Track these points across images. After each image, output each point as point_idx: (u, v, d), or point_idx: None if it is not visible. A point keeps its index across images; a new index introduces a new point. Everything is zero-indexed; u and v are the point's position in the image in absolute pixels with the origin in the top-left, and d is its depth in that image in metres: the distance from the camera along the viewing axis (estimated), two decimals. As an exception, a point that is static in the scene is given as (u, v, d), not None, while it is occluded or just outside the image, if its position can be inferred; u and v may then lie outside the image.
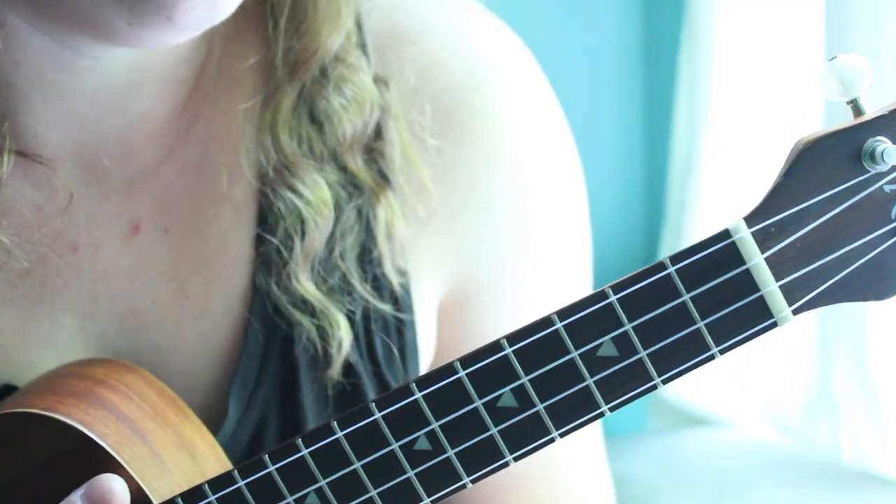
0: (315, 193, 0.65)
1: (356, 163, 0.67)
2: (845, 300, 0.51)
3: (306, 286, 0.66)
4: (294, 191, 0.65)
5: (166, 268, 0.68)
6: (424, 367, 0.72)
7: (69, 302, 0.68)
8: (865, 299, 0.51)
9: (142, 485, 0.59)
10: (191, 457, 0.64)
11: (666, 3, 1.88)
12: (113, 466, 0.59)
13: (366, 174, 0.67)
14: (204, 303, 0.68)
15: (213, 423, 0.68)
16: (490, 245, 0.71)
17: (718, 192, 1.65)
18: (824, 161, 0.50)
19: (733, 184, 1.63)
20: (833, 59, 0.50)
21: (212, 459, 0.65)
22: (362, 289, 0.67)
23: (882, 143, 0.50)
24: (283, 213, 0.66)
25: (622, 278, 0.52)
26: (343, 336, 0.66)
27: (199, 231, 0.68)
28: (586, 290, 0.75)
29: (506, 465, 0.54)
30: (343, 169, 0.67)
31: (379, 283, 0.68)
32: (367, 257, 0.68)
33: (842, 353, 1.54)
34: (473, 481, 0.54)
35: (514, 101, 0.70)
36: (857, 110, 0.51)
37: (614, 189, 1.98)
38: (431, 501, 0.55)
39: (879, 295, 0.51)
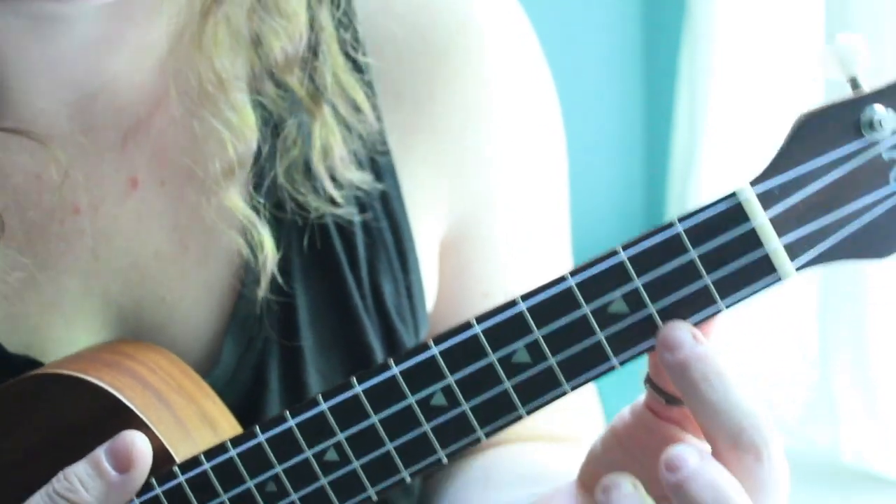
0: (239, 116, 0.70)
1: (293, 81, 0.72)
2: (847, 258, 0.57)
3: (235, 202, 0.71)
4: (218, 112, 0.70)
5: (166, 220, 0.73)
6: (429, 298, 0.78)
7: (72, 264, 0.72)
8: (866, 258, 0.57)
9: (165, 444, 0.64)
10: (213, 430, 0.69)
11: (666, 3, 1.93)
12: (138, 427, 0.64)
13: (302, 91, 0.72)
14: (205, 252, 0.73)
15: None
16: (484, 179, 0.78)
17: (718, 191, 1.71)
18: (825, 130, 0.56)
19: (733, 183, 1.68)
20: (833, 40, 0.56)
21: (232, 435, 0.69)
22: (314, 200, 0.72)
23: (879, 112, 0.55)
24: (200, 135, 0.70)
25: (633, 238, 0.57)
26: (268, 255, 0.71)
27: (193, 182, 0.72)
28: (567, 223, 0.82)
29: (519, 418, 0.59)
30: (283, 86, 0.72)
31: (333, 198, 0.73)
32: (311, 171, 0.73)
33: (842, 353, 1.59)
34: (487, 435, 0.59)
35: (498, 39, 0.77)
36: (856, 88, 0.57)
37: (614, 189, 2.04)
38: (446, 455, 0.60)
39: (879, 254, 0.56)
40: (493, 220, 0.80)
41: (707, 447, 0.57)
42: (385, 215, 0.75)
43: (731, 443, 0.55)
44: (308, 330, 0.74)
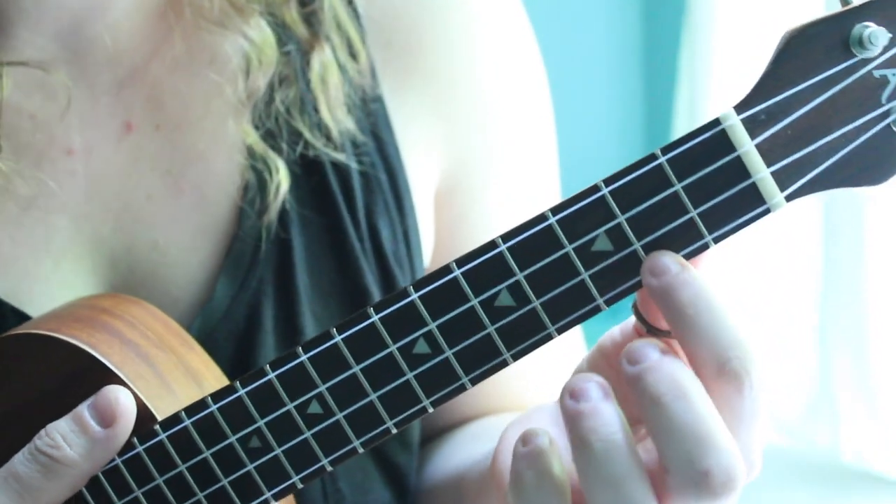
0: (259, 35, 0.72)
1: (291, 15, 0.74)
2: (839, 186, 0.55)
3: (247, 129, 0.72)
4: (241, 32, 0.72)
5: (160, 163, 0.73)
6: (427, 249, 0.79)
7: (64, 205, 0.73)
8: (859, 185, 0.55)
9: (144, 400, 0.63)
10: (197, 384, 0.68)
11: (666, 3, 1.92)
12: (117, 384, 0.63)
13: (300, 26, 0.74)
14: (200, 195, 0.74)
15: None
16: (477, 129, 0.79)
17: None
18: (812, 48, 0.54)
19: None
20: None
21: (218, 388, 0.69)
22: (311, 135, 0.74)
23: (869, 28, 0.53)
24: (229, 54, 0.72)
25: (614, 172, 0.56)
26: (281, 180, 0.73)
27: (191, 126, 0.73)
28: (556, 172, 0.84)
29: (504, 363, 0.58)
30: (281, 23, 0.74)
31: (330, 132, 0.75)
32: (307, 107, 0.75)
33: (842, 353, 1.60)
34: (473, 382, 0.58)
35: None
36: (846, 1, 0.54)
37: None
38: (431, 403, 0.59)
39: (873, 180, 0.55)
40: (486, 171, 0.80)
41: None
42: (380, 158, 0.76)
43: (714, 372, 0.53)
44: (304, 271, 0.74)
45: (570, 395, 0.54)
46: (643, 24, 1.94)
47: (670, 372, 0.53)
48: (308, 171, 0.75)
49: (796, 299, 1.63)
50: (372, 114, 0.76)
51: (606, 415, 0.54)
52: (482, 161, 0.80)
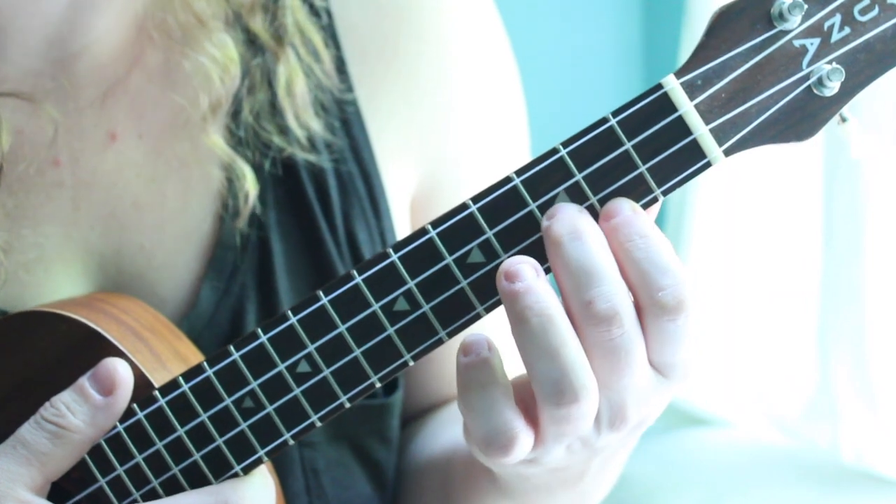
0: (222, 52, 0.79)
1: (257, 24, 0.81)
2: (770, 142, 0.65)
3: (214, 140, 0.80)
4: (203, 51, 0.79)
5: (144, 171, 0.81)
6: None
7: (53, 214, 0.80)
8: (787, 140, 0.65)
9: (143, 370, 0.71)
10: (186, 366, 0.76)
11: (666, 3, 2.01)
12: (117, 356, 0.71)
13: (266, 35, 0.81)
14: (183, 201, 0.82)
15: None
16: (453, 134, 0.86)
17: (717, 192, 1.78)
18: (739, 22, 0.64)
19: (732, 184, 1.75)
20: None
21: None
22: (282, 140, 0.81)
23: (787, 2, 0.64)
24: (194, 71, 0.79)
25: (571, 136, 0.65)
26: (249, 188, 0.80)
27: (172, 134, 0.81)
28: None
29: (477, 316, 0.67)
30: (247, 31, 0.82)
31: (295, 135, 0.82)
32: (277, 112, 0.82)
33: (842, 353, 1.65)
34: (449, 335, 0.67)
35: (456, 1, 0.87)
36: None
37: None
38: (412, 357, 0.67)
39: (799, 136, 0.65)
40: (462, 178, 0.88)
41: None
42: (355, 163, 0.84)
43: (650, 300, 0.62)
44: (284, 275, 0.82)
45: (506, 278, 0.63)
46: (643, 24, 2.02)
47: (572, 219, 0.62)
48: (286, 174, 0.82)
49: (796, 299, 1.67)
50: (347, 117, 0.84)
51: (540, 292, 0.62)
52: (458, 168, 0.87)
